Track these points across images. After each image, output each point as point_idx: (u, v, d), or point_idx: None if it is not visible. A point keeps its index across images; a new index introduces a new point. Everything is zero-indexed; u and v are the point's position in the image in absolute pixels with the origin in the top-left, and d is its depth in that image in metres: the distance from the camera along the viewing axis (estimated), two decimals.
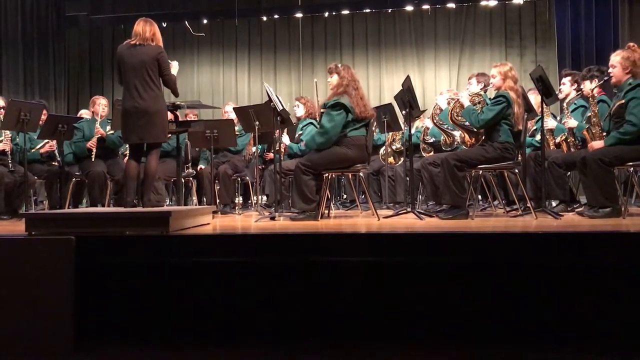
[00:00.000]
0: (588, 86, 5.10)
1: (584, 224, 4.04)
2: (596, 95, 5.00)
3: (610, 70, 4.64)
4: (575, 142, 5.17)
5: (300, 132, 6.51)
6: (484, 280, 3.23)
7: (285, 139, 6.33)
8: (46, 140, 6.18)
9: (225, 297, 3.39)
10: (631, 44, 4.69)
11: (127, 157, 6.47)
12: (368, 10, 10.80)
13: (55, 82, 10.53)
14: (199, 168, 6.76)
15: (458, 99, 5.05)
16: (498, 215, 5.27)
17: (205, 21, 10.99)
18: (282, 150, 5.98)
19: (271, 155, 6.71)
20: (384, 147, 6.78)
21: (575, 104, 5.45)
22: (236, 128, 6.38)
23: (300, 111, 6.66)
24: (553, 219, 4.45)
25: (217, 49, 11.39)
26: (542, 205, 4.76)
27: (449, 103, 5.27)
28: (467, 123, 4.94)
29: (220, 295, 3.41)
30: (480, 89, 5.28)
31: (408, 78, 5.20)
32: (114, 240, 3.48)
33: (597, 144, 4.58)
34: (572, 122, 5.18)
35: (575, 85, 5.50)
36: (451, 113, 5.08)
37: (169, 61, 4.69)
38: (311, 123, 6.43)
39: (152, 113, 4.44)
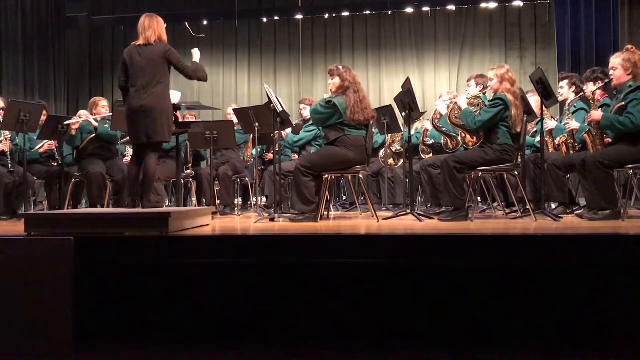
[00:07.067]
0: (591, 88, 5.08)
1: (583, 227, 4.05)
2: (599, 98, 4.99)
3: (611, 72, 4.63)
4: (575, 144, 5.15)
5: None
6: (483, 282, 3.23)
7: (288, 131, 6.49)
8: (46, 140, 6.18)
9: (224, 299, 3.39)
10: (629, 46, 4.68)
11: (126, 158, 6.51)
12: (368, 12, 10.80)
13: (55, 82, 10.51)
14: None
15: (456, 102, 5.05)
16: (497, 217, 5.26)
17: (205, 22, 10.98)
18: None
19: (271, 156, 6.71)
20: (383, 149, 6.78)
21: (575, 106, 5.42)
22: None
23: (307, 112, 6.66)
24: (552, 221, 4.45)
25: (217, 51, 11.38)
26: (541, 208, 4.76)
27: (448, 107, 5.27)
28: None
29: (219, 297, 3.41)
30: (479, 91, 5.29)
31: (408, 80, 5.20)
32: (113, 241, 3.48)
33: (596, 114, 4.59)
34: (574, 124, 5.12)
35: (574, 87, 5.48)
36: (449, 115, 5.08)
37: (191, 51, 4.90)
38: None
39: (159, 111, 4.42)
